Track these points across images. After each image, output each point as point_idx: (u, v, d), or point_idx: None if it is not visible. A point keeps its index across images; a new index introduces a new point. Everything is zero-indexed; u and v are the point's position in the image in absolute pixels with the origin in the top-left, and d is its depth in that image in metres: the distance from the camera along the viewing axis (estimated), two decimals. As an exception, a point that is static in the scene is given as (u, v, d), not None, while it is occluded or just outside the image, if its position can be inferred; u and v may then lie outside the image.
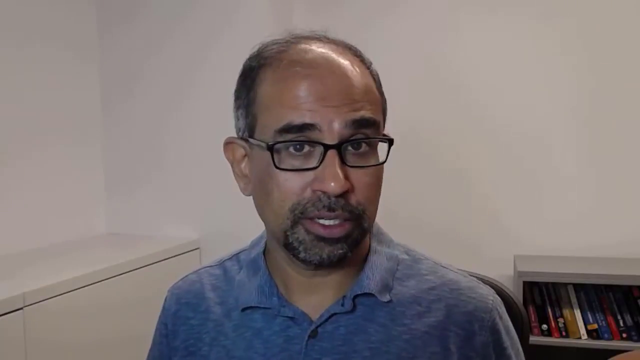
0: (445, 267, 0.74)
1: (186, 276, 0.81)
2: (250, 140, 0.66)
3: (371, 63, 0.69)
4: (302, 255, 0.63)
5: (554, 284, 2.03)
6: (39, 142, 1.96)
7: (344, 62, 0.64)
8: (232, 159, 0.71)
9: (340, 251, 0.63)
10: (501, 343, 0.70)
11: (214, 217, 2.09)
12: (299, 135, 0.61)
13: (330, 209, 0.61)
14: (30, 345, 1.38)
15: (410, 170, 2.25)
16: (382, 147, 0.66)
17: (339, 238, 0.62)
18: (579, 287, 2.02)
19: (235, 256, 0.80)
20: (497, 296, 0.73)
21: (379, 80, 0.70)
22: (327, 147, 0.60)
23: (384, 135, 0.66)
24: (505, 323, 0.72)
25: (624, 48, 2.09)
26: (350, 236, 0.63)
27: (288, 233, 0.63)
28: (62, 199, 2.05)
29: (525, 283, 1.97)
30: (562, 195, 2.16)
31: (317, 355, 0.67)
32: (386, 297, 0.68)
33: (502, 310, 0.72)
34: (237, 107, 0.68)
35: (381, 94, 0.69)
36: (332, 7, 2.33)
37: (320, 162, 0.61)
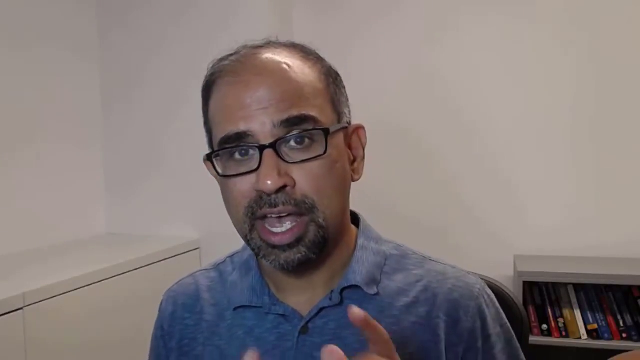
0: (433, 261, 0.74)
1: (181, 280, 0.82)
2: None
3: (319, 58, 0.69)
4: (264, 260, 0.65)
5: (554, 284, 2.03)
6: (39, 142, 1.96)
7: (274, 62, 0.65)
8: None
9: (299, 255, 0.63)
10: (487, 329, 0.70)
11: (214, 217, 2.07)
12: (238, 142, 0.63)
13: (272, 205, 0.62)
14: (30, 345, 1.38)
15: (410, 171, 2.25)
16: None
17: (291, 244, 0.62)
18: (579, 287, 2.02)
19: (230, 258, 0.81)
20: (485, 285, 0.73)
21: (330, 73, 0.69)
22: (262, 148, 0.61)
23: (317, 128, 0.63)
24: (493, 310, 0.72)
25: (624, 49, 2.08)
26: (304, 237, 0.63)
27: (248, 238, 0.65)
28: (62, 199, 2.05)
29: (525, 283, 1.97)
30: (562, 195, 2.16)
31: (308, 350, 0.68)
32: (373, 290, 0.69)
33: (491, 298, 0.73)
34: (203, 124, 0.71)
35: (329, 84, 0.67)
36: (332, 8, 2.33)
37: (260, 163, 0.62)
